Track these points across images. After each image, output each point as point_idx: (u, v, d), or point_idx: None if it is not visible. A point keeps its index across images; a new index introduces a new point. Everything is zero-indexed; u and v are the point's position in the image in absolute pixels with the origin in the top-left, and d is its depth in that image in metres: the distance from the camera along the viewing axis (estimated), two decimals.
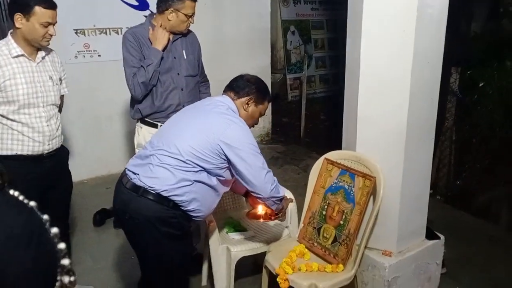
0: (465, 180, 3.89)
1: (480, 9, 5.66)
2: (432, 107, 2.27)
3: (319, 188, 2.31)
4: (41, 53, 2.06)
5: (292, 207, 2.52)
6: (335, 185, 2.25)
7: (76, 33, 3.73)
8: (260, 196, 1.87)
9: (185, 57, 2.56)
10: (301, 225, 2.34)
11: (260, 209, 2.13)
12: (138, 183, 1.73)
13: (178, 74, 2.54)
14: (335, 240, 2.17)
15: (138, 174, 1.76)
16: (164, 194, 1.71)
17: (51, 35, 2.00)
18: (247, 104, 1.93)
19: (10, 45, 1.95)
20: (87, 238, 3.11)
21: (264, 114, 2.06)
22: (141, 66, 2.39)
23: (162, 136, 1.86)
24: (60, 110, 2.30)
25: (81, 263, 2.78)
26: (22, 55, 1.97)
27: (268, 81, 4.97)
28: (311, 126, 5.55)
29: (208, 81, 2.84)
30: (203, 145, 1.74)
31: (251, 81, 1.96)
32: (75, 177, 4.09)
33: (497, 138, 4.04)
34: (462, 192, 3.77)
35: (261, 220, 2.16)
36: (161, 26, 2.43)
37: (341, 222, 2.17)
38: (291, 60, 6.34)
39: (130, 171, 1.81)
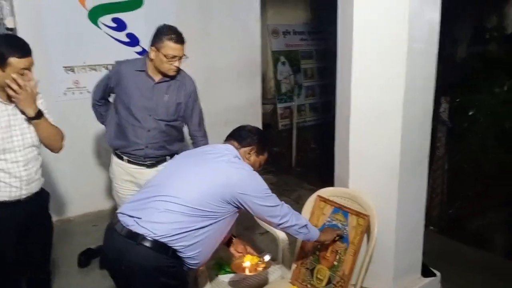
0: (459, 209, 3.86)
1: (463, 35, 5.78)
2: (424, 138, 2.27)
3: None
4: None
5: (284, 246, 2.47)
6: (328, 223, 2.21)
7: (65, 70, 3.71)
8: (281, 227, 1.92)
9: (164, 101, 2.52)
10: (294, 265, 2.28)
11: (247, 262, 2.07)
12: (137, 229, 1.67)
13: (150, 115, 2.50)
14: (329, 281, 2.11)
15: (140, 218, 1.70)
16: (164, 240, 1.66)
17: (30, 79, 1.95)
18: (249, 153, 1.96)
19: None
20: (72, 281, 2.99)
21: (263, 164, 2.07)
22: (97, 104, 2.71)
23: (167, 181, 1.83)
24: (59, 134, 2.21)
25: None
26: None
27: (259, 112, 4.98)
28: (302, 155, 5.52)
29: (205, 138, 2.70)
30: (216, 194, 1.74)
31: (252, 131, 2.00)
32: (62, 215, 4.05)
33: (489, 163, 4.05)
34: (456, 221, 3.73)
35: (247, 272, 2.05)
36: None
37: (335, 263, 2.11)
38: (281, 89, 6.37)
39: (127, 215, 1.74)
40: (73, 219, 3.99)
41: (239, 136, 1.97)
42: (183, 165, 1.90)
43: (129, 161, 2.55)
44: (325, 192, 2.28)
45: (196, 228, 1.72)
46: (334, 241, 2.12)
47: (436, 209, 3.65)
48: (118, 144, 2.57)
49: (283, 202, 1.90)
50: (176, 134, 2.65)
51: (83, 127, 3.81)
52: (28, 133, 2.03)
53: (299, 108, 6.32)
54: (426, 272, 2.39)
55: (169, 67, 2.43)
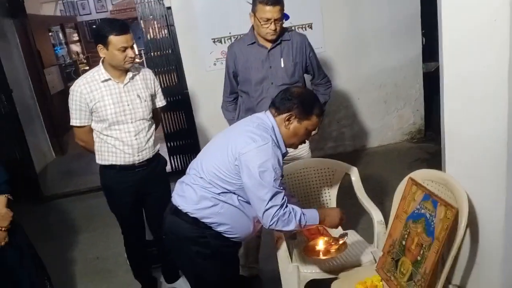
0: None
1: None
2: None
3: (401, 213, 1.97)
4: (130, 74, 2.29)
5: (380, 227, 2.23)
6: (417, 211, 1.89)
7: (214, 42, 4.04)
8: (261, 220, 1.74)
9: (282, 65, 2.51)
10: (381, 252, 2.05)
11: (320, 243, 1.94)
12: (173, 201, 1.80)
13: (272, 83, 2.51)
14: (410, 278, 1.83)
15: (177, 191, 1.82)
16: (192, 215, 1.73)
17: (132, 57, 2.19)
18: (288, 120, 1.76)
19: (100, 71, 2.25)
20: None
21: (314, 130, 1.84)
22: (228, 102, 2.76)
23: (200, 155, 1.88)
24: (158, 121, 2.56)
25: None
26: (109, 79, 2.24)
27: (419, 72, 4.41)
28: None
29: (329, 82, 2.72)
30: (223, 165, 1.70)
31: (293, 95, 1.78)
32: None
33: None
34: None
35: (321, 256, 1.94)
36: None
37: (419, 258, 1.81)
38: None
39: (176, 186, 1.87)
40: None
41: (277, 101, 1.79)
42: (216, 137, 1.89)
43: None
44: (418, 174, 1.94)
45: (216, 203, 1.71)
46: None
47: None
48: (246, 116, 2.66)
49: (283, 203, 1.68)
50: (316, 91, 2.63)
51: None
52: (139, 108, 2.31)
53: None
54: None
55: (266, 31, 2.41)
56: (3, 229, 2.07)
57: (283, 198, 1.69)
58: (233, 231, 1.78)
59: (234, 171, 1.69)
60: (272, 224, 1.68)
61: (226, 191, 1.73)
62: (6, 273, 2.12)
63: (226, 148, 1.71)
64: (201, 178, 1.74)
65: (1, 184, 2.12)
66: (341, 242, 1.95)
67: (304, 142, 1.90)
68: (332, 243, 1.97)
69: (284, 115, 1.76)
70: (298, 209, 1.75)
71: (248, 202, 1.75)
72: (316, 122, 1.80)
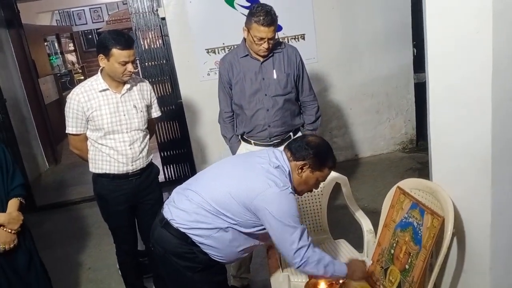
0: None
1: None
2: None
3: (390, 222, 2.00)
4: (127, 86, 2.31)
5: (369, 236, 2.25)
6: (405, 220, 1.91)
7: (207, 52, 4.08)
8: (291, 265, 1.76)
9: (274, 77, 2.53)
10: (370, 261, 2.06)
11: (322, 284, 1.93)
12: (166, 213, 1.77)
13: (266, 95, 2.54)
14: (399, 286, 1.85)
15: (173, 202, 1.79)
16: (183, 229, 1.70)
17: (131, 72, 2.22)
18: (301, 169, 1.76)
19: (98, 81, 2.26)
20: None
21: (323, 181, 1.86)
22: (224, 119, 2.69)
23: (205, 175, 1.86)
24: (153, 131, 2.58)
25: None
26: (107, 89, 2.26)
27: (410, 81, 4.47)
28: None
29: (315, 101, 2.71)
30: (238, 198, 1.67)
31: (310, 144, 1.77)
32: None
33: None
34: None
35: None
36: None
37: (407, 267, 1.83)
38: None
39: (171, 196, 1.86)
40: None
41: (294, 147, 1.78)
42: (227, 164, 1.88)
43: (255, 144, 2.64)
44: (406, 183, 1.96)
45: (212, 227, 1.69)
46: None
47: None
48: (242, 130, 2.66)
49: (310, 243, 1.68)
50: (294, 108, 2.66)
51: None
52: (135, 118, 2.33)
53: None
54: None
55: (259, 48, 2.43)
56: (12, 231, 2.07)
57: (309, 238, 1.70)
58: (219, 255, 1.76)
59: (248, 208, 1.67)
60: (301, 265, 1.67)
61: (230, 221, 1.70)
62: (16, 276, 2.12)
63: (243, 185, 1.69)
64: (207, 202, 1.71)
65: (16, 187, 2.14)
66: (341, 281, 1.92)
67: (311, 191, 1.90)
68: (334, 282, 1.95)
69: (299, 163, 1.76)
70: (327, 256, 1.75)
71: (243, 233, 1.75)
72: (327, 174, 1.82)
